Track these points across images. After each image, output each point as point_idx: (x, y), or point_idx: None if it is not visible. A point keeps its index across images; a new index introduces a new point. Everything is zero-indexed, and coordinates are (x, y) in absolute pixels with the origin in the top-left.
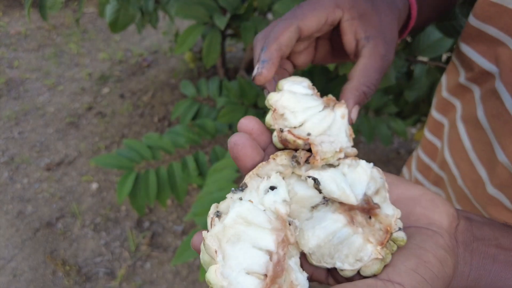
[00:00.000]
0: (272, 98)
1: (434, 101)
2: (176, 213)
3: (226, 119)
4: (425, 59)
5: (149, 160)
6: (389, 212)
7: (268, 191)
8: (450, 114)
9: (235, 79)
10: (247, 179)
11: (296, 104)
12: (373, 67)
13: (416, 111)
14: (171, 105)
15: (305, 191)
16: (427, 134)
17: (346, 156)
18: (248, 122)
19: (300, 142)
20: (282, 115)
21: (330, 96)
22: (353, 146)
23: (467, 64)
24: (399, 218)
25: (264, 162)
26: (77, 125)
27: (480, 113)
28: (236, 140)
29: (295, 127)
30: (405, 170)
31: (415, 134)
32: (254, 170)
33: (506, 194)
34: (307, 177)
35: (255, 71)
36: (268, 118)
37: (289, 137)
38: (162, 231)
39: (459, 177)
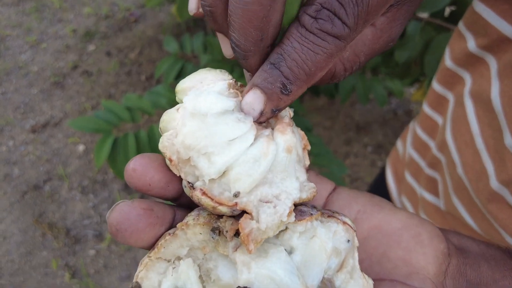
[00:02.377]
0: (165, 128)
1: (437, 72)
2: None
3: None
4: (424, 15)
5: (128, 122)
6: None
7: None
8: (456, 88)
9: None
10: (141, 271)
11: (208, 138)
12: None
13: (407, 73)
14: (159, 63)
15: (232, 275)
16: (426, 108)
17: (298, 212)
18: (142, 172)
19: (224, 209)
20: (188, 160)
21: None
22: (308, 171)
23: (481, 27)
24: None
25: (168, 236)
26: (62, 85)
27: (495, 92)
28: (119, 223)
29: (212, 179)
30: (399, 143)
31: (413, 95)
32: (152, 254)
33: None
34: None
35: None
36: (164, 146)
37: (205, 201)
38: None
39: (459, 164)
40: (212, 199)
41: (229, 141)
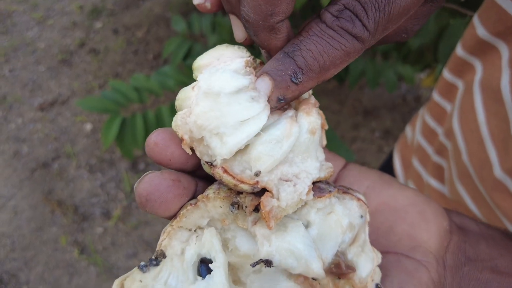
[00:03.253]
0: (180, 105)
1: (448, 60)
2: None
3: None
4: None
5: (135, 103)
6: (366, 271)
7: (198, 268)
8: (466, 76)
9: None
10: (164, 239)
11: (220, 118)
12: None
13: (420, 60)
14: (167, 41)
15: (251, 247)
16: (435, 96)
17: (317, 190)
18: (163, 147)
19: (245, 187)
20: (201, 140)
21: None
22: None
23: (495, 14)
24: (378, 266)
25: (189, 206)
26: (69, 63)
27: (505, 82)
28: (150, 193)
29: (227, 159)
30: (408, 129)
31: (423, 81)
32: (175, 223)
33: None
34: (251, 265)
35: None
36: (177, 125)
37: (226, 178)
38: None
39: (465, 152)
40: (233, 177)
41: (241, 121)
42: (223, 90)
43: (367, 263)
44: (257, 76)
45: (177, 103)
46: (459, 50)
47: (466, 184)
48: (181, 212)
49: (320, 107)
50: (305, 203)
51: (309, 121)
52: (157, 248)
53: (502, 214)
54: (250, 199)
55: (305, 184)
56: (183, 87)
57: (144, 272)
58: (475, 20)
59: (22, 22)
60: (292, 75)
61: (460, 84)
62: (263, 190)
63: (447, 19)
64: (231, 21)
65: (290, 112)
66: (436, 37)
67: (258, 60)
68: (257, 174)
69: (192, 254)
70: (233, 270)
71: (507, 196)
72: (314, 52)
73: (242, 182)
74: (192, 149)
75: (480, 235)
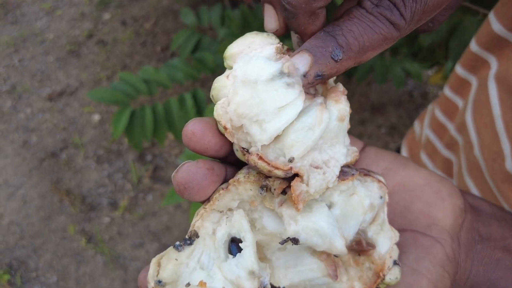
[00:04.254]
0: (217, 95)
1: (461, 56)
2: (179, 147)
3: None
4: None
5: (145, 94)
6: (385, 248)
7: (229, 247)
8: (480, 71)
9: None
10: (197, 221)
11: (259, 106)
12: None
13: (431, 57)
14: (174, 34)
15: (277, 226)
16: (447, 92)
17: (341, 173)
18: (200, 136)
19: (279, 173)
20: (240, 127)
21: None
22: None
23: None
24: (396, 244)
25: (221, 191)
26: (77, 54)
27: None
28: (188, 181)
29: (265, 145)
30: (416, 124)
31: (431, 78)
32: (208, 206)
33: None
34: (280, 243)
35: None
36: (218, 113)
37: (261, 164)
38: (164, 165)
39: (477, 145)
40: (268, 164)
41: (279, 108)
42: (259, 77)
43: (385, 240)
44: (295, 53)
45: (213, 92)
46: (474, 46)
47: (475, 177)
48: (214, 196)
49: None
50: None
51: (338, 109)
52: (190, 229)
53: (510, 207)
54: (279, 183)
55: (333, 173)
56: (192, 80)
57: (179, 251)
58: (491, 16)
59: (31, 12)
60: (333, 52)
61: (473, 79)
62: (293, 175)
63: (459, 16)
64: (264, 10)
65: (319, 99)
66: (447, 34)
67: (285, 47)
68: (290, 160)
69: (223, 234)
70: (259, 248)
71: None
72: (356, 33)
73: (277, 168)
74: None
75: (493, 216)
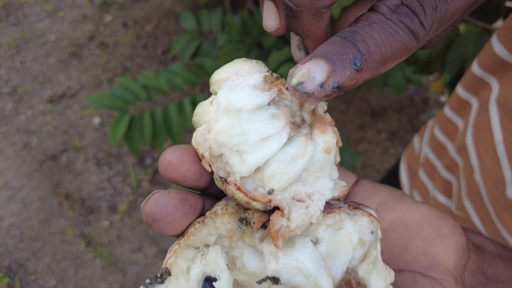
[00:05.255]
0: (199, 121)
1: (462, 77)
2: None
3: (226, 60)
4: None
5: (144, 101)
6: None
7: (203, 286)
8: (481, 93)
9: (243, 10)
10: (170, 257)
11: (241, 136)
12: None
13: (427, 70)
14: (176, 36)
15: (258, 264)
16: (447, 112)
17: (327, 205)
18: (178, 164)
19: (257, 205)
20: (220, 156)
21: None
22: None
23: None
24: (391, 284)
25: (197, 224)
26: (79, 56)
27: None
28: (156, 213)
29: (244, 177)
30: (416, 140)
31: (431, 84)
32: (182, 241)
33: None
34: (257, 283)
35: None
36: (197, 142)
37: (239, 195)
38: None
39: (478, 170)
40: (246, 195)
41: (261, 139)
42: (244, 106)
43: (379, 280)
44: (305, 60)
45: (194, 118)
46: (475, 68)
47: (475, 202)
48: (189, 230)
49: (327, 107)
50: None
51: (324, 140)
52: (162, 266)
53: (509, 234)
54: (258, 216)
55: (317, 207)
56: (191, 86)
57: None
58: (494, 39)
59: (33, 13)
60: (354, 59)
61: (474, 101)
62: (273, 208)
63: (456, 29)
64: (263, 6)
65: (305, 130)
66: (445, 47)
67: (275, 75)
68: (270, 192)
69: (197, 273)
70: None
71: None
72: (377, 39)
73: (255, 200)
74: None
75: (498, 256)
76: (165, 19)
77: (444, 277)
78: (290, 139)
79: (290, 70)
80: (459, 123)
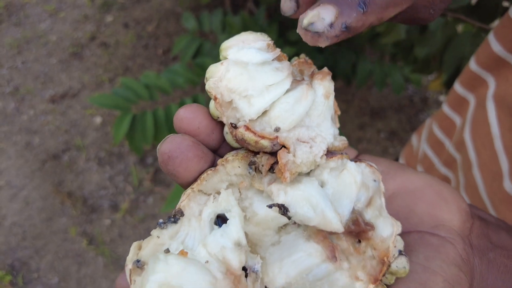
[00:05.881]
0: (212, 76)
1: (460, 74)
2: None
3: None
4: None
5: (146, 100)
6: (386, 233)
7: (214, 222)
8: (478, 90)
9: (244, 10)
10: (183, 201)
11: (248, 82)
12: None
13: (426, 69)
14: (176, 37)
15: (268, 210)
16: (445, 109)
17: (329, 153)
18: (192, 117)
19: (265, 143)
20: (230, 102)
21: (303, 57)
22: (340, 134)
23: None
24: (399, 234)
25: (209, 171)
26: (80, 56)
27: None
28: (171, 151)
29: (253, 120)
30: (414, 138)
31: (431, 84)
32: (195, 185)
33: None
34: (267, 206)
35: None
36: (212, 107)
37: (248, 136)
38: None
39: (476, 164)
40: (254, 133)
41: (267, 86)
42: (251, 60)
43: (386, 226)
44: (313, 7)
45: (207, 74)
46: (473, 65)
47: (472, 196)
48: (202, 176)
49: None
50: (318, 165)
51: (323, 86)
52: (175, 208)
53: None
54: (266, 158)
55: (320, 148)
56: (192, 86)
57: (162, 228)
58: (491, 37)
59: (35, 14)
60: (359, 1)
61: (471, 97)
62: (280, 147)
63: (453, 29)
64: None
65: (306, 81)
66: (442, 46)
67: (275, 47)
68: (276, 129)
69: (209, 213)
70: (252, 246)
71: None
72: None
73: (263, 137)
74: (218, 121)
75: (499, 226)
76: (166, 20)
77: (451, 235)
78: (292, 88)
79: (300, 16)
80: (457, 119)
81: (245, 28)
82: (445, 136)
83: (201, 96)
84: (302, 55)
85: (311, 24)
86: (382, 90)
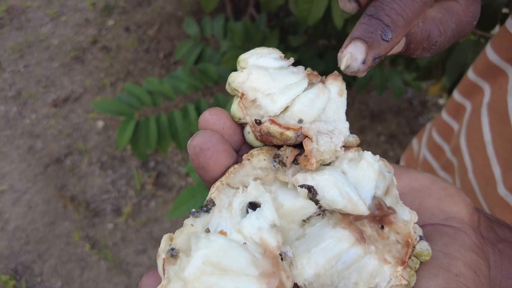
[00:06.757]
0: (236, 80)
1: (459, 83)
2: (181, 154)
3: (229, 65)
4: None
5: (149, 106)
6: (406, 217)
7: (247, 211)
8: (474, 97)
9: (245, 16)
10: (213, 192)
11: (270, 82)
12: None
13: (428, 77)
14: (178, 40)
15: (293, 202)
16: (444, 116)
17: (346, 147)
18: (217, 118)
19: (290, 134)
20: (253, 101)
21: (309, 69)
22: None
23: (509, 40)
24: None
25: (236, 166)
26: (82, 60)
27: (511, 104)
28: (203, 143)
29: (276, 115)
30: (415, 142)
31: (430, 88)
32: (223, 178)
33: None
34: (299, 186)
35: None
36: (235, 108)
37: (273, 128)
38: (167, 171)
39: (470, 169)
40: (280, 125)
41: (287, 85)
42: (270, 66)
43: (404, 212)
44: (346, 44)
45: (229, 80)
46: (471, 74)
47: (470, 199)
48: (229, 170)
49: None
50: (337, 157)
51: (336, 85)
52: (207, 198)
53: None
54: (290, 150)
55: (339, 139)
56: (195, 91)
57: (195, 217)
58: (488, 47)
59: (36, 18)
60: (382, 33)
61: (468, 104)
62: (302, 146)
63: None
64: None
65: (320, 84)
66: (444, 54)
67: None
68: (300, 121)
69: (240, 202)
70: None
71: (509, 212)
72: (398, 9)
73: (288, 128)
74: (239, 123)
75: (501, 223)
76: (167, 23)
77: (463, 226)
78: (309, 88)
79: (338, 55)
80: (455, 126)
81: (246, 33)
82: (443, 141)
83: (203, 102)
84: (308, 68)
85: (348, 67)
86: (381, 95)
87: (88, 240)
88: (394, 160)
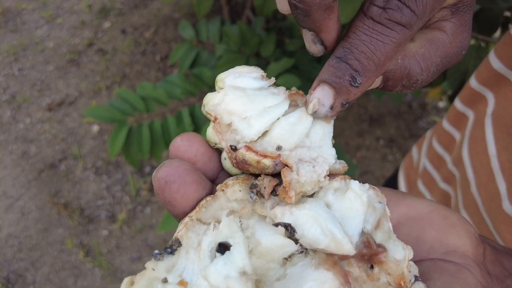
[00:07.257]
0: (210, 101)
1: (461, 91)
2: None
3: (225, 70)
4: None
5: (142, 112)
6: (399, 255)
7: (216, 254)
8: (477, 106)
9: (242, 19)
10: (181, 230)
11: (247, 104)
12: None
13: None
14: (174, 43)
15: (273, 239)
16: (445, 125)
17: (331, 175)
18: (188, 145)
19: (267, 162)
20: (229, 125)
21: (295, 89)
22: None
23: None
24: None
25: (208, 198)
26: (77, 63)
27: None
28: (168, 175)
29: (253, 140)
30: (414, 150)
31: (429, 92)
32: (193, 213)
33: None
34: (274, 225)
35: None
36: (210, 132)
37: (249, 156)
38: None
39: (473, 182)
40: (256, 153)
41: (266, 107)
42: (248, 86)
43: (397, 249)
44: (314, 86)
45: (205, 101)
46: (473, 82)
47: (472, 214)
48: (200, 204)
49: None
50: (321, 187)
51: None
52: (173, 238)
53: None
54: (269, 180)
55: (323, 168)
56: (189, 96)
57: (157, 259)
58: (491, 54)
59: (32, 20)
60: (351, 79)
61: (470, 113)
62: (283, 167)
63: None
64: (305, 38)
65: (300, 105)
66: None
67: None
68: (279, 148)
69: (209, 242)
70: (255, 283)
71: None
72: (367, 53)
73: (265, 156)
74: (215, 149)
75: (509, 253)
76: (164, 26)
77: (466, 262)
78: (290, 110)
79: (306, 98)
80: (456, 135)
81: (242, 37)
82: (445, 151)
83: (198, 107)
84: (294, 88)
85: (315, 112)
86: (380, 99)
87: (82, 248)
88: (393, 165)
